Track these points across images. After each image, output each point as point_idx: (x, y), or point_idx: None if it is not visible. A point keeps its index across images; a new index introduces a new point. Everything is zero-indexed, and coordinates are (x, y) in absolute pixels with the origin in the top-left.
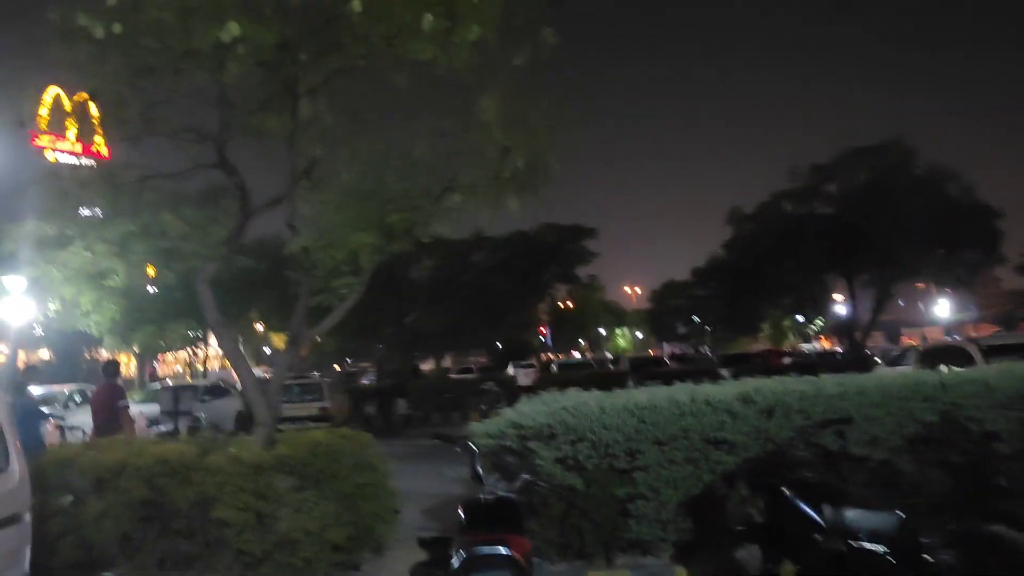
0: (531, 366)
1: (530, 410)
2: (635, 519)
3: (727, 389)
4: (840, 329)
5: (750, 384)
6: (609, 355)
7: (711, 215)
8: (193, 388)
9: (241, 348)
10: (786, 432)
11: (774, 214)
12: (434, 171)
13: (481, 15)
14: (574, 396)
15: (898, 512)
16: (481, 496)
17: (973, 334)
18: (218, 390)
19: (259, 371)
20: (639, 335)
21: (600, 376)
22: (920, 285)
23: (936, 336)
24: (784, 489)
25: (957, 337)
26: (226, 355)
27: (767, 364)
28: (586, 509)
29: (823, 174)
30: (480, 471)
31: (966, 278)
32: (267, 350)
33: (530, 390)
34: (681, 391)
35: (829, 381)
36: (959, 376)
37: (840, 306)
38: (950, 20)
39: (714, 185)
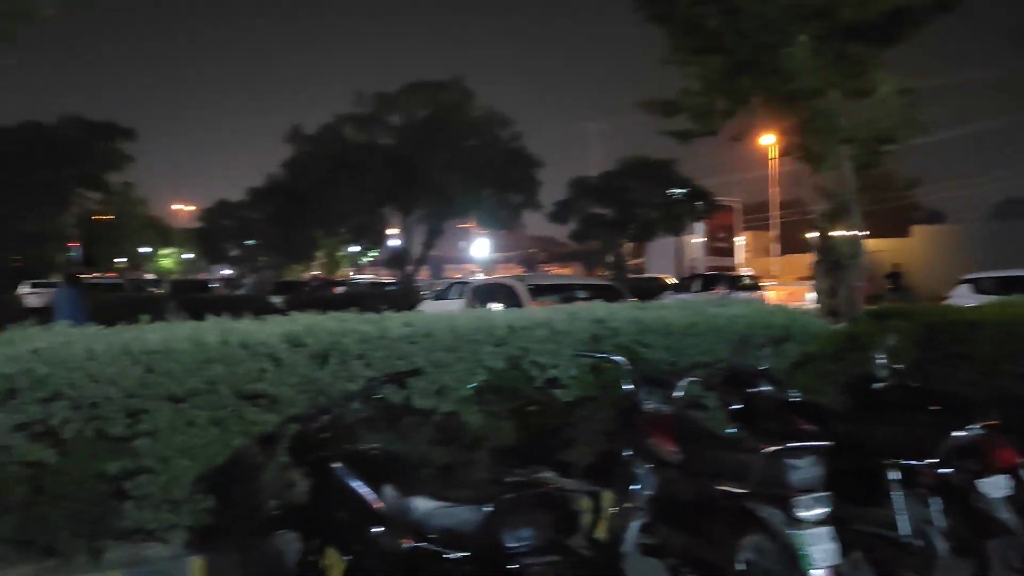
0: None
1: None
2: (135, 501)
3: (271, 328)
4: (393, 262)
5: (301, 321)
6: (151, 276)
7: (275, 134)
8: None
9: None
10: (342, 383)
11: (335, 137)
12: None
13: None
14: (52, 335)
15: (484, 508)
16: None
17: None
18: None
19: None
20: (190, 256)
21: (131, 301)
22: (466, 224)
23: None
24: (336, 465)
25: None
26: None
27: (321, 293)
28: (59, 492)
29: (387, 103)
30: None
31: (509, 221)
32: None
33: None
34: (210, 329)
35: (394, 321)
36: (528, 319)
37: (394, 239)
38: None
39: (280, 103)
